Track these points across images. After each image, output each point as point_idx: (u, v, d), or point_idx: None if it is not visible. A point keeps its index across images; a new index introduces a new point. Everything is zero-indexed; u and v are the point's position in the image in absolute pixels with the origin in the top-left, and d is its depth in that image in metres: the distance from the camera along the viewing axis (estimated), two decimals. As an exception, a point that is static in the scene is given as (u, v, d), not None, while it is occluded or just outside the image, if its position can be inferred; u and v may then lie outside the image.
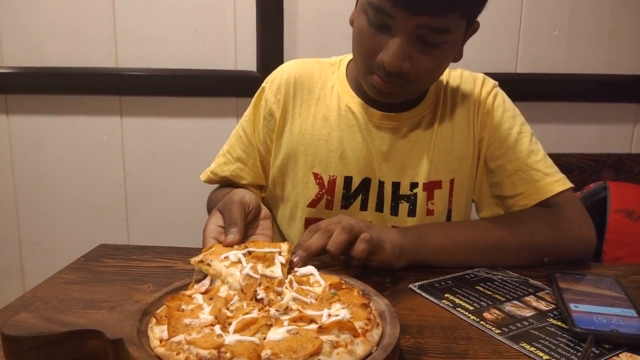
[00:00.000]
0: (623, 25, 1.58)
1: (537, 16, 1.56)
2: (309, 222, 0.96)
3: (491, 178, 0.96)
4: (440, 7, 0.75)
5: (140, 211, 1.67)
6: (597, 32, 1.58)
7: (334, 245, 0.72)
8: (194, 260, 0.65)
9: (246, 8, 1.53)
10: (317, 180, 0.96)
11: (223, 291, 0.60)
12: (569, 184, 0.92)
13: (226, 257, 0.64)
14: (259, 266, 0.62)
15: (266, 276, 0.60)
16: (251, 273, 0.60)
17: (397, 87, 0.84)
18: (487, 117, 0.95)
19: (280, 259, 0.64)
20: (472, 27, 0.84)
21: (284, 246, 0.67)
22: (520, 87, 1.55)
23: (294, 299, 0.57)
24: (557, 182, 0.91)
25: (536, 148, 0.94)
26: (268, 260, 0.64)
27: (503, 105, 0.96)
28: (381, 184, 0.95)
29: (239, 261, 0.63)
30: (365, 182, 0.95)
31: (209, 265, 0.63)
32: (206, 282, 0.62)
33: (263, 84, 1.02)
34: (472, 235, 0.85)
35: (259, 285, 0.59)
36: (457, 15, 0.77)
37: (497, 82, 0.99)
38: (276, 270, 0.62)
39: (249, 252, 0.65)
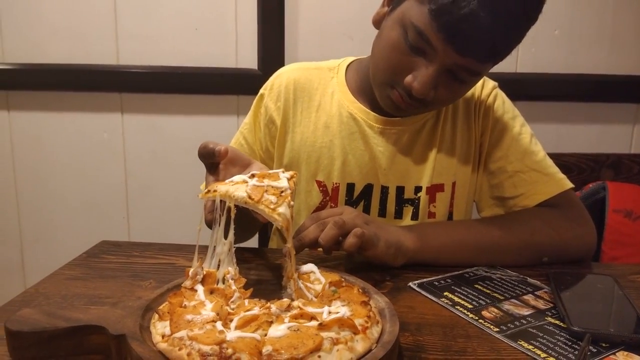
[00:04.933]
0: (623, 25, 1.58)
1: (538, 16, 1.56)
2: None
3: (491, 179, 0.96)
4: (486, 56, 0.77)
5: (141, 208, 1.68)
6: (597, 33, 1.59)
7: (324, 238, 0.73)
8: (202, 194, 0.63)
9: (247, 6, 1.53)
10: (321, 188, 0.96)
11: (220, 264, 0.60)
12: (569, 184, 0.92)
13: (231, 181, 0.63)
14: (265, 180, 0.62)
15: (272, 186, 0.61)
16: (257, 183, 0.61)
17: (414, 108, 0.84)
18: (487, 119, 0.95)
19: (285, 175, 0.64)
20: None
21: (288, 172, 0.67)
22: (521, 87, 1.56)
23: (298, 289, 0.58)
24: (558, 183, 0.92)
25: (536, 149, 0.95)
26: (273, 177, 0.64)
27: (503, 107, 0.97)
28: (385, 189, 0.95)
29: (244, 181, 0.62)
30: (368, 188, 0.95)
31: (215, 191, 0.61)
32: (200, 270, 0.61)
33: (262, 91, 1.01)
34: (472, 235, 0.85)
35: (266, 191, 0.59)
36: (493, 62, 0.80)
37: (496, 83, 0.99)
38: (282, 182, 0.62)
39: (253, 175, 0.64)
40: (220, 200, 0.61)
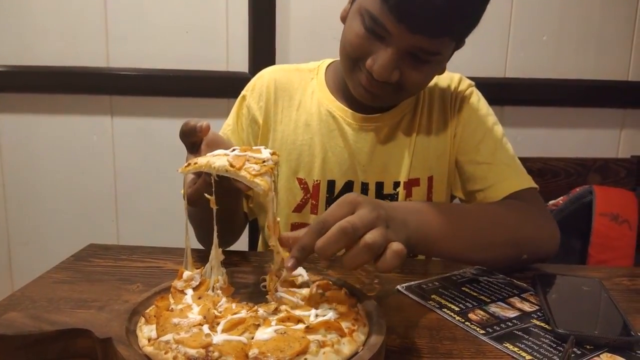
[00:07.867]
0: (610, 31, 1.61)
1: (526, 22, 1.58)
2: (294, 227, 0.96)
3: (462, 173, 0.97)
4: (437, 31, 0.77)
5: (130, 211, 1.67)
6: (585, 38, 1.61)
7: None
8: (181, 168, 0.61)
9: (239, 9, 1.53)
10: (302, 186, 0.96)
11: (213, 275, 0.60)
12: (536, 185, 0.93)
13: (212, 154, 0.63)
14: (247, 152, 0.62)
15: (254, 157, 0.60)
16: (238, 153, 0.61)
17: (385, 92, 0.85)
18: (460, 114, 0.97)
19: (267, 150, 0.63)
20: (459, 46, 0.86)
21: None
22: (509, 92, 1.57)
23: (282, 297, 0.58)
24: (527, 179, 0.93)
25: (507, 146, 0.96)
26: (255, 150, 0.63)
27: (478, 103, 0.98)
28: (365, 185, 0.96)
29: (226, 154, 0.62)
30: (348, 185, 0.96)
31: (195, 163, 0.60)
32: (197, 276, 0.62)
33: (243, 92, 1.02)
34: (467, 229, 0.79)
35: (248, 160, 0.59)
36: (449, 38, 0.80)
37: (473, 83, 1.01)
38: (265, 154, 0.61)
39: (234, 149, 0.64)
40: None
